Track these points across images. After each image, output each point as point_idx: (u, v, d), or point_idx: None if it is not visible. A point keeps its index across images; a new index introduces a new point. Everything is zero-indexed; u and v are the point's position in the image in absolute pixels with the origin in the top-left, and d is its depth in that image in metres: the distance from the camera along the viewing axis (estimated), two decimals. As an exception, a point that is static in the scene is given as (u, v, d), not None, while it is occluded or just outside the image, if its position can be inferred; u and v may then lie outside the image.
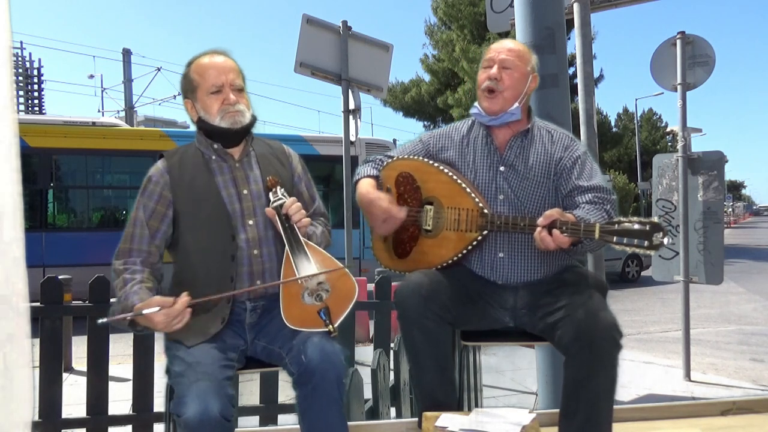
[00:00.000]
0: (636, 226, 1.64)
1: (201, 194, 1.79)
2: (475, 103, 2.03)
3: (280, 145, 2.00)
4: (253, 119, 1.84)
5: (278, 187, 1.81)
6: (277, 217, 1.76)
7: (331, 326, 1.67)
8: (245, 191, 1.82)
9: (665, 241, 1.63)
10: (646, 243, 1.63)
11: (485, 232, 1.89)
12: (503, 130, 2.00)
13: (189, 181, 1.80)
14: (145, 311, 1.58)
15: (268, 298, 1.81)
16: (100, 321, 1.64)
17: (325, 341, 1.65)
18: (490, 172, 1.96)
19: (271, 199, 1.79)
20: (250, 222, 1.80)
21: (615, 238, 1.65)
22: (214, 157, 1.84)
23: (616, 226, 1.66)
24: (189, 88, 1.82)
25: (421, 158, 2.04)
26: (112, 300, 3.24)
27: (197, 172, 1.81)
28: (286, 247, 1.74)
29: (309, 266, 1.72)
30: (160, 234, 1.78)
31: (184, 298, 1.62)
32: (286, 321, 1.69)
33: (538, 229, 1.71)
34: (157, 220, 1.78)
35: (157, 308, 1.58)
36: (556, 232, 1.68)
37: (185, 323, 1.63)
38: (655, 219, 1.69)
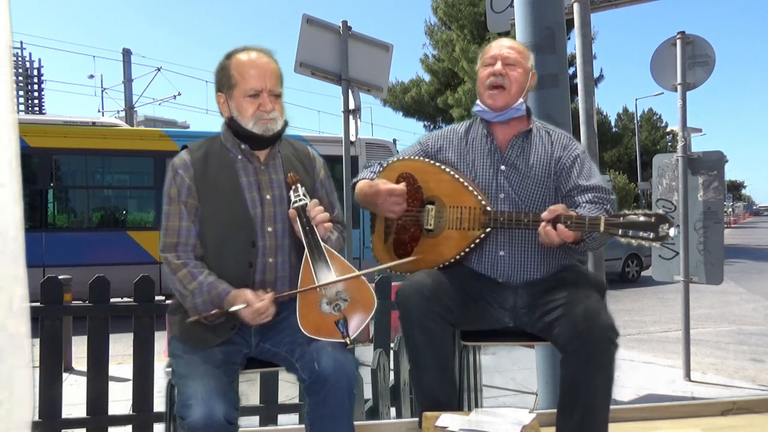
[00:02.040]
0: (641, 218, 1.64)
1: (224, 194, 1.74)
2: (477, 101, 2.03)
3: (305, 148, 1.95)
4: (285, 124, 1.80)
5: (299, 185, 1.76)
6: (298, 219, 1.72)
7: (348, 338, 1.64)
8: (268, 196, 1.78)
9: (671, 232, 1.63)
10: (651, 235, 1.63)
11: (488, 230, 1.89)
12: (504, 129, 2.00)
13: (213, 178, 1.75)
14: (232, 309, 1.62)
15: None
16: (189, 320, 1.67)
17: (338, 351, 1.63)
18: (491, 171, 1.96)
19: (292, 197, 1.75)
20: (269, 229, 1.76)
21: (620, 231, 1.65)
22: (240, 157, 1.79)
23: (621, 218, 1.66)
24: (226, 84, 1.76)
25: (421, 158, 2.04)
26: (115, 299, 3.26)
27: (221, 170, 1.76)
28: (306, 251, 1.71)
29: (329, 274, 1.68)
30: (197, 226, 1.73)
31: (269, 295, 1.65)
32: (303, 329, 1.66)
33: (543, 223, 1.71)
34: (192, 213, 1.73)
35: (244, 305, 1.62)
36: (560, 226, 1.68)
37: (271, 316, 1.67)
38: (661, 211, 1.69)
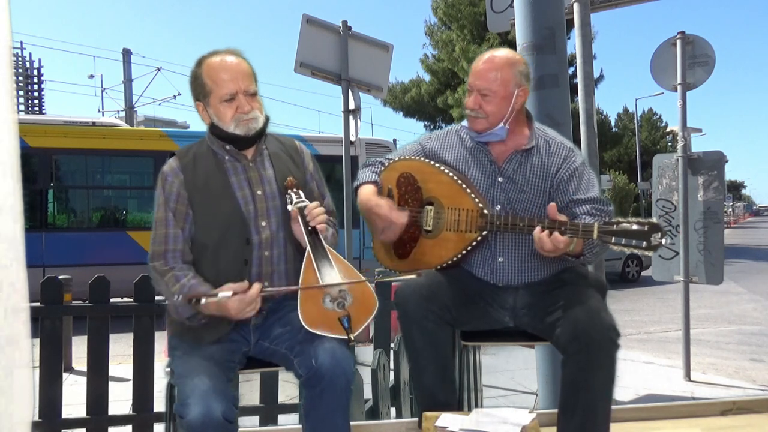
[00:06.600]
0: (635, 227, 1.64)
1: (216, 195, 1.76)
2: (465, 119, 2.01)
3: (293, 142, 1.98)
4: (267, 120, 1.82)
5: (298, 189, 1.79)
6: (300, 219, 1.74)
7: (351, 335, 1.64)
8: (259, 192, 1.80)
9: (663, 241, 1.64)
10: (644, 244, 1.64)
11: (485, 233, 1.89)
12: (500, 144, 1.97)
13: (203, 181, 1.77)
14: (220, 294, 1.59)
15: (274, 299, 1.80)
16: (178, 298, 1.66)
17: (336, 346, 1.63)
18: (487, 182, 1.95)
19: (294, 198, 1.77)
20: (263, 223, 1.78)
21: (613, 239, 1.65)
22: (227, 158, 1.82)
23: (615, 226, 1.66)
24: (201, 93, 1.78)
25: (421, 158, 2.03)
26: (113, 300, 3.27)
27: (211, 173, 1.79)
28: (308, 249, 1.72)
29: (332, 272, 1.69)
30: (187, 232, 1.76)
31: (258, 285, 1.63)
32: (304, 323, 1.65)
33: (537, 229, 1.72)
34: (181, 219, 1.75)
35: (231, 293, 1.60)
36: (555, 233, 1.68)
37: (256, 310, 1.65)
38: (654, 219, 1.70)
